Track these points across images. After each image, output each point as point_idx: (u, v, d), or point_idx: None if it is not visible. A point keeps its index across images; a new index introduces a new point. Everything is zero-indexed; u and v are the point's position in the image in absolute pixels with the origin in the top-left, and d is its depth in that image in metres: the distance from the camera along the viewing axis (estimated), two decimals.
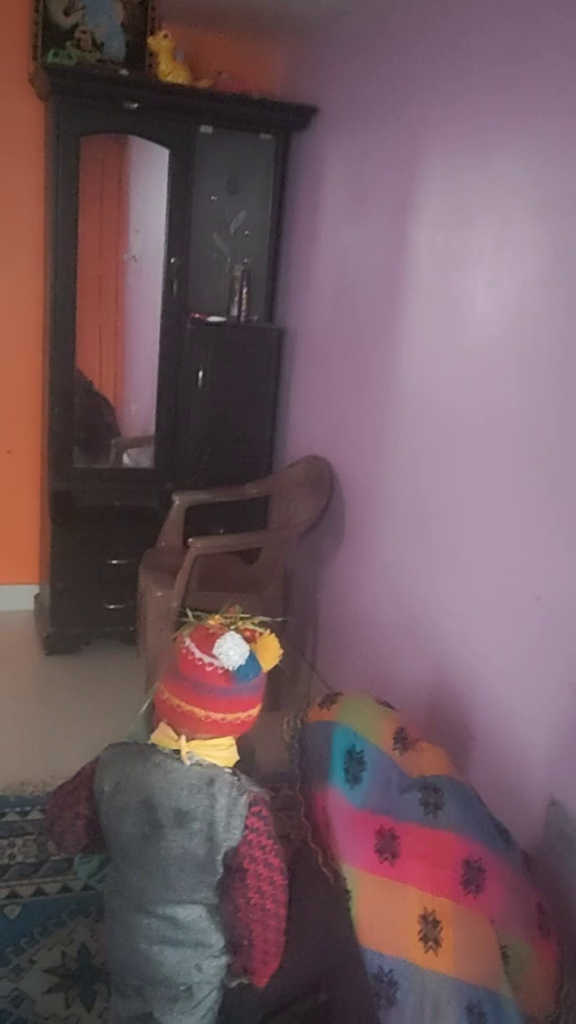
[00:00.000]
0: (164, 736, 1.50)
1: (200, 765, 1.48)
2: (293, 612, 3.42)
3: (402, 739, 1.86)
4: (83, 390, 3.55)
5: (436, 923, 1.57)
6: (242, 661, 1.44)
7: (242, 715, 1.49)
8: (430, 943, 1.56)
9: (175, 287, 3.37)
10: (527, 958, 1.62)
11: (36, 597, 3.84)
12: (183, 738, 1.47)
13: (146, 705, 1.65)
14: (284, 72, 3.55)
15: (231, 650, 1.43)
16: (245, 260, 3.47)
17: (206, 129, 3.26)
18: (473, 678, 2.30)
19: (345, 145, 3.12)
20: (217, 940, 1.55)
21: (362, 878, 1.60)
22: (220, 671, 1.44)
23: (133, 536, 3.39)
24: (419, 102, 2.58)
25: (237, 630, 1.48)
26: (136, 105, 3.11)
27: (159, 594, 3.00)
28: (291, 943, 1.57)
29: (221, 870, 1.46)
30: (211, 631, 1.48)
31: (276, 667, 1.52)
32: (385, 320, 2.79)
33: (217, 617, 1.52)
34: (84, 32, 3.27)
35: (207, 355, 3.40)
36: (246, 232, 3.47)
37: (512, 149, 2.15)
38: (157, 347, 3.43)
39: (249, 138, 3.34)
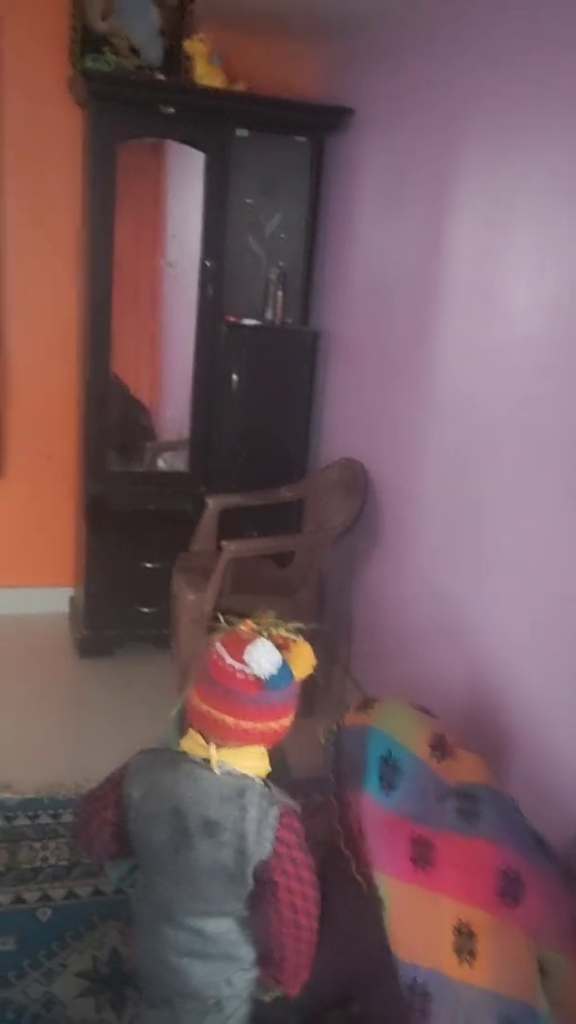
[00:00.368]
0: (193, 743, 1.47)
1: (231, 775, 1.45)
2: (327, 616, 3.40)
3: (440, 747, 1.82)
4: (119, 394, 3.57)
5: (471, 934, 1.54)
6: (273, 670, 1.40)
7: (273, 724, 1.46)
8: (464, 955, 1.53)
9: (210, 290, 3.38)
10: (566, 972, 1.58)
11: (71, 600, 3.86)
12: (212, 746, 1.45)
13: (177, 708, 1.64)
14: (319, 74, 3.54)
15: (262, 658, 1.40)
16: (280, 263, 3.46)
17: (242, 132, 3.26)
18: (511, 683, 2.25)
19: (380, 145, 3.10)
20: (247, 953, 1.52)
21: (395, 886, 1.57)
22: (251, 678, 1.41)
23: (167, 539, 3.40)
24: (456, 98, 2.56)
25: (269, 636, 1.45)
26: (172, 110, 3.12)
27: (192, 597, 3.00)
28: (322, 950, 1.54)
29: (251, 883, 1.43)
30: (243, 637, 1.44)
31: (309, 674, 1.48)
32: (420, 321, 2.76)
33: (249, 622, 1.49)
34: (120, 38, 3.29)
35: (242, 358, 3.40)
36: (281, 235, 3.46)
37: (554, 142, 2.11)
38: (192, 351, 3.43)
39: (284, 140, 3.34)
